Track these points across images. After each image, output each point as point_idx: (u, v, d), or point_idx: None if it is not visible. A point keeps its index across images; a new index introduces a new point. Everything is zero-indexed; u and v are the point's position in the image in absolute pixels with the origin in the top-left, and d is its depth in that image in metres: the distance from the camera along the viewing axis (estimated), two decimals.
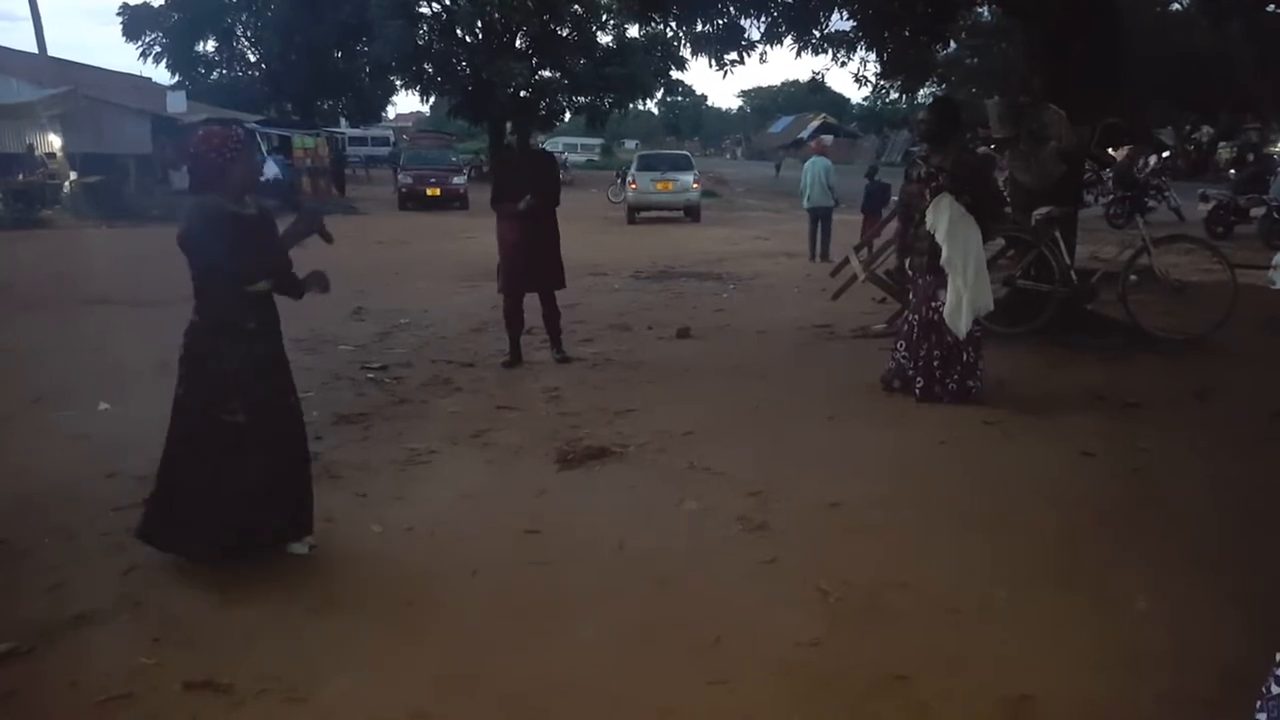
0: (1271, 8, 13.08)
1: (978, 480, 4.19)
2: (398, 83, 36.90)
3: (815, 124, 65.60)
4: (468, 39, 34.30)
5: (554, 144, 43.67)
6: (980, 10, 11.61)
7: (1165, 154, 30.40)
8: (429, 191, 22.75)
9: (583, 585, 3.16)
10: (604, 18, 32.72)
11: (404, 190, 23.00)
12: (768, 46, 8.73)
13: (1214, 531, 3.60)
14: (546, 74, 35.21)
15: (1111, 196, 17.46)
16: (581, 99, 36.47)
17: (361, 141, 42.48)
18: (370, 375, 6.12)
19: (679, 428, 4.90)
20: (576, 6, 33.34)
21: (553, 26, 33.67)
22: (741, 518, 3.70)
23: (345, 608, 2.98)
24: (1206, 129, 37.40)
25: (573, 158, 42.91)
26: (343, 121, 41.68)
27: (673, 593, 3.11)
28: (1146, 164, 19.90)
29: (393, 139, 44.37)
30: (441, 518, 3.75)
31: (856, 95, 50.12)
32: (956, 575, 3.23)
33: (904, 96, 16.21)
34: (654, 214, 19.84)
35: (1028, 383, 5.78)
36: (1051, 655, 2.70)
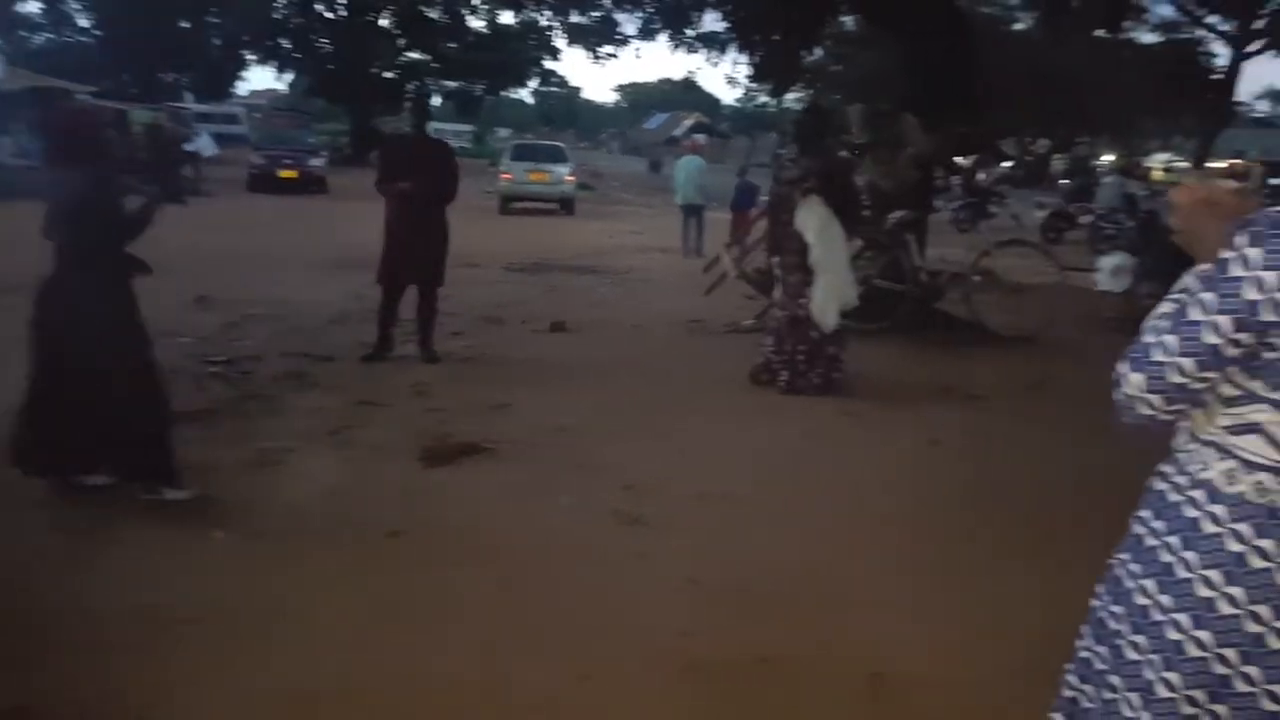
0: (1101, 31, 14.31)
1: (841, 469, 4.40)
2: (251, 57, 34.89)
3: (689, 122, 66.43)
4: (328, 15, 32.82)
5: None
6: (845, 20, 12.10)
7: (1007, 164, 32.62)
8: (283, 173, 21.48)
9: (453, 585, 3.09)
10: (476, 2, 32.06)
11: (255, 172, 21.62)
12: (643, 42, 8.83)
13: (1053, 511, 3.88)
14: (415, 56, 34.16)
15: (959, 202, 18.61)
16: (451, 84, 35.62)
17: (209, 118, 39.80)
18: (214, 369, 5.71)
19: (553, 422, 4.88)
20: None
21: (421, 8, 32.71)
22: (615, 512, 3.73)
23: (186, 621, 2.78)
24: (1044, 141, 40.39)
25: None
26: (188, 97, 38.98)
27: (546, 589, 3.10)
28: (990, 173, 21.31)
29: (242, 117, 41.75)
30: (295, 522, 3.56)
31: (728, 96, 51.39)
32: (823, 560, 3.37)
33: (773, 100, 16.72)
34: (528, 205, 19.63)
35: (884, 376, 6.10)
36: (910, 634, 2.86)
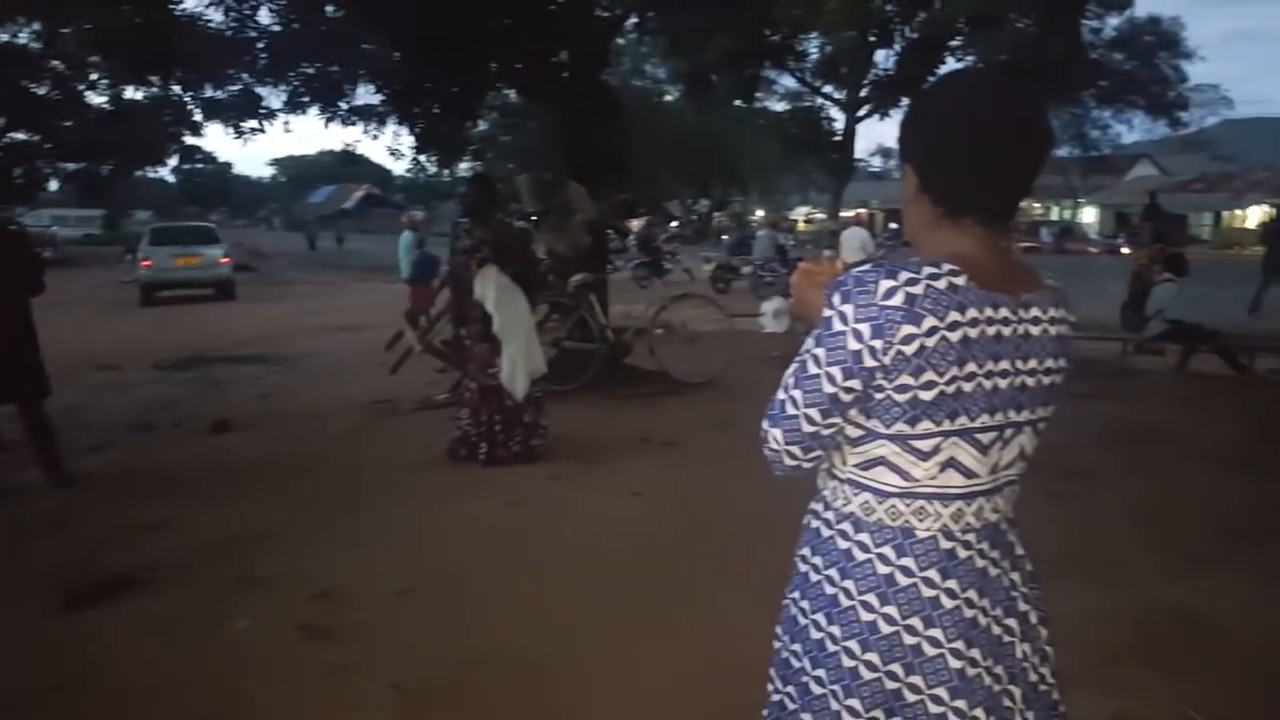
0: (739, 102, 16.22)
1: (552, 535, 4.30)
2: None
3: (359, 194, 64.73)
4: None
5: (37, 217, 36.61)
6: (509, 92, 12.42)
7: (674, 223, 35.51)
8: None
9: None
10: (94, 76, 28.55)
11: None
12: (291, 116, 8.32)
13: (752, 543, 4.04)
14: (20, 136, 29.57)
15: (636, 261, 19.86)
16: (71, 165, 31.30)
17: None
18: None
19: (224, 536, 4.28)
20: (57, 63, 28.60)
21: (25, 84, 28.45)
22: (304, 626, 3.32)
23: None
24: (704, 201, 44.75)
25: (65, 232, 36.36)
26: None
27: None
28: (661, 232, 23.05)
29: None
30: None
31: (400, 167, 50.63)
32: (537, 635, 3.24)
33: (445, 169, 16.69)
34: (178, 293, 17.64)
35: (583, 435, 6.15)
36: (629, 693, 2.82)
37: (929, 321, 1.15)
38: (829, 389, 1.20)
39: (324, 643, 3.21)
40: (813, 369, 1.22)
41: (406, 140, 10.12)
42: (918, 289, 1.16)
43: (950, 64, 19.94)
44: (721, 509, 4.62)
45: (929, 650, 1.22)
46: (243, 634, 3.30)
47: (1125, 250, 22.78)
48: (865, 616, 1.24)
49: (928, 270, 1.18)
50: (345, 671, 3.00)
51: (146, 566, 3.90)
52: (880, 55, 23.18)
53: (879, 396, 1.20)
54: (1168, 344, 8.67)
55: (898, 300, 1.16)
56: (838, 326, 1.19)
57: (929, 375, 1.17)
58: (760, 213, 42.70)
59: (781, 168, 35.18)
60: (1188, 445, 5.85)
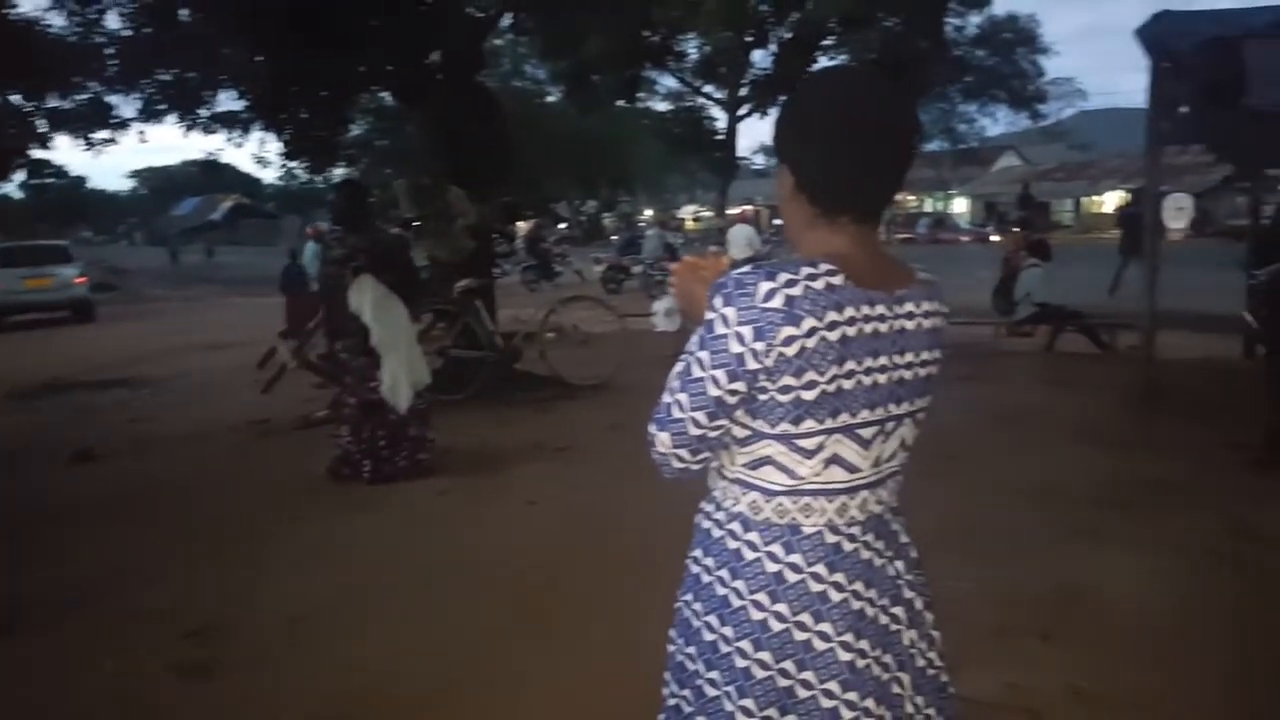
0: (621, 103, 16.22)
1: (446, 552, 4.16)
2: None
3: (228, 205, 61.91)
4: None
5: None
6: (383, 95, 12.01)
7: (562, 225, 35.28)
8: None
9: None
10: None
11: None
12: (147, 125, 7.81)
13: (650, 550, 4.01)
14: None
15: (524, 264, 19.62)
16: None
17: None
18: None
19: (91, 573, 3.99)
20: None
21: None
22: (177, 665, 3.10)
23: None
24: (592, 202, 44.61)
25: None
26: None
27: None
28: (549, 234, 22.86)
29: None
30: None
31: (270, 175, 48.18)
32: (441, 658, 3.11)
33: (317, 176, 16.04)
34: (28, 318, 16.38)
35: (474, 445, 5.98)
36: (536, 705, 2.75)
37: (808, 323, 1.16)
38: (714, 392, 1.20)
39: (201, 682, 3.01)
40: (697, 372, 1.21)
41: (274, 147, 9.64)
42: (796, 290, 1.17)
43: (824, 63, 20.54)
44: (619, 512, 4.56)
45: (819, 645, 1.23)
46: (111, 678, 3.06)
47: (995, 238, 24.03)
48: (756, 616, 1.24)
49: (805, 271, 1.19)
50: (224, 713, 2.81)
51: (6, 609, 3.61)
52: (757, 55, 23.62)
53: (763, 397, 1.20)
54: (1036, 325, 9.14)
55: (777, 302, 1.16)
56: (720, 329, 1.19)
57: (810, 375, 1.18)
58: (649, 212, 42.96)
59: (667, 167, 35.47)
60: (1060, 421, 6.16)
